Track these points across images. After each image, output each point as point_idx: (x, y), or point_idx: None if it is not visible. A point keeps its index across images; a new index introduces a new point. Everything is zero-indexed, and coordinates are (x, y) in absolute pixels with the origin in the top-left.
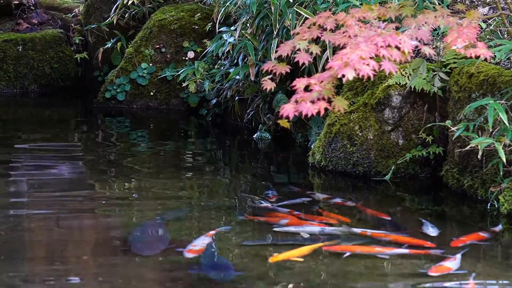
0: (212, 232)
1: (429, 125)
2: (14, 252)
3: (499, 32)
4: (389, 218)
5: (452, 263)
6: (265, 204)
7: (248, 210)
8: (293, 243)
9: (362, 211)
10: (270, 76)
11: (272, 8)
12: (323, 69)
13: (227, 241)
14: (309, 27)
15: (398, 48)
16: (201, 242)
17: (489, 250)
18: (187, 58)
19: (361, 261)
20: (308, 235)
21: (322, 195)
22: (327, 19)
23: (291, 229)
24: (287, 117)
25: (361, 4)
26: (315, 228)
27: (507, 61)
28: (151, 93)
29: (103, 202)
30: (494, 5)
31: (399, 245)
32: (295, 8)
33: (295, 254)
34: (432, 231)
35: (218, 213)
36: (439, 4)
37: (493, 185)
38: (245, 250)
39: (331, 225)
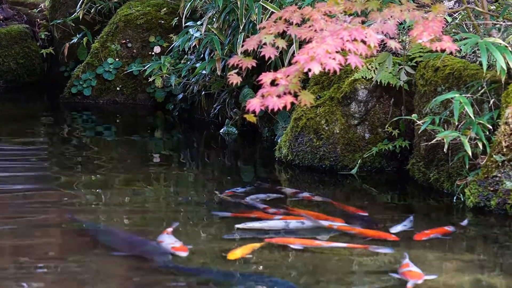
0: (170, 229)
1: (395, 118)
2: None
3: (464, 25)
4: (365, 214)
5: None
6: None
7: (216, 202)
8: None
9: (337, 207)
10: (236, 71)
11: (238, 2)
12: (290, 64)
13: (195, 236)
14: (275, 21)
15: (364, 42)
16: (173, 240)
17: (452, 244)
18: (153, 53)
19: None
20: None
21: (290, 190)
22: (293, 13)
23: (256, 224)
24: (254, 112)
25: None
26: (279, 223)
27: (473, 54)
28: (118, 88)
29: (69, 197)
30: None
31: (362, 238)
32: (261, 3)
33: (248, 249)
34: (396, 228)
35: (185, 208)
36: None
37: (459, 178)
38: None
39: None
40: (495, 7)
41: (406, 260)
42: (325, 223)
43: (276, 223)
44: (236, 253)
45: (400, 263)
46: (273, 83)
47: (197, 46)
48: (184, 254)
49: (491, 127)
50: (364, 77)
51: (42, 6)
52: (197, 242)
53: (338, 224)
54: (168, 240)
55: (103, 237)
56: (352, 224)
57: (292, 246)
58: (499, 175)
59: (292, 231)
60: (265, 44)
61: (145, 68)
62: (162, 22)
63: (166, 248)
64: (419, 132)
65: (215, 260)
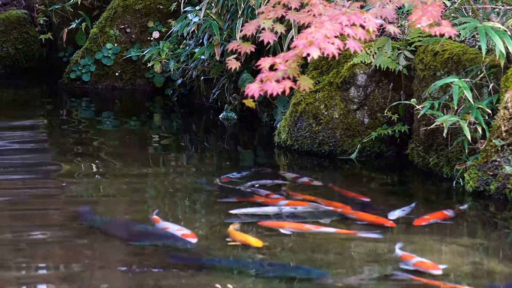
0: (155, 216)
1: (394, 103)
2: None
3: (463, 10)
4: (367, 199)
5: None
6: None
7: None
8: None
9: (338, 192)
10: (235, 56)
11: None
12: (288, 49)
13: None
14: (273, 6)
15: (362, 26)
16: (177, 226)
17: (451, 228)
18: (152, 38)
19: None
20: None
21: (291, 175)
22: None
23: (250, 210)
24: (253, 97)
25: None
26: (272, 209)
27: (472, 39)
28: (116, 74)
29: (69, 182)
30: None
31: (361, 222)
32: None
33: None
34: (394, 214)
35: (183, 193)
36: None
37: (459, 163)
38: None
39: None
40: None
41: (401, 252)
42: (328, 207)
43: (269, 209)
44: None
45: (398, 256)
46: (272, 68)
47: (196, 31)
48: (194, 240)
49: (490, 112)
50: (363, 62)
51: None
52: (198, 227)
53: (340, 208)
54: (173, 227)
55: (120, 229)
56: (354, 209)
57: (282, 230)
58: (499, 159)
59: (297, 216)
60: (263, 29)
61: (144, 53)
62: (161, 7)
63: (175, 235)
64: (418, 117)
65: (218, 244)
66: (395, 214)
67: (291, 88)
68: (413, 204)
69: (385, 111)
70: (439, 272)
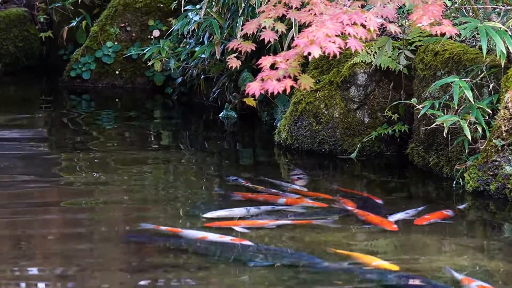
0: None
1: (394, 103)
2: None
3: (464, 9)
4: (380, 201)
5: None
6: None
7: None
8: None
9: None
10: (235, 54)
11: None
12: (289, 47)
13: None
14: (274, 5)
15: (363, 26)
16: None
17: (451, 228)
18: (152, 37)
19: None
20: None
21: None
22: None
23: (223, 213)
24: (253, 95)
25: None
26: (242, 210)
27: (472, 38)
28: (117, 72)
29: (68, 182)
30: None
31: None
32: None
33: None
34: (395, 216)
35: (184, 193)
36: None
37: (459, 163)
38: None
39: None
40: None
41: (460, 275)
42: (348, 208)
43: (240, 211)
44: None
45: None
46: (273, 67)
47: (196, 30)
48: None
49: (490, 112)
50: (364, 61)
51: None
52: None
53: (349, 207)
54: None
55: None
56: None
57: (236, 228)
58: (499, 159)
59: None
60: (264, 28)
61: (144, 51)
62: (161, 5)
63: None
64: (418, 117)
65: None
66: (396, 216)
67: (292, 87)
68: (420, 208)
69: (385, 111)
70: None
